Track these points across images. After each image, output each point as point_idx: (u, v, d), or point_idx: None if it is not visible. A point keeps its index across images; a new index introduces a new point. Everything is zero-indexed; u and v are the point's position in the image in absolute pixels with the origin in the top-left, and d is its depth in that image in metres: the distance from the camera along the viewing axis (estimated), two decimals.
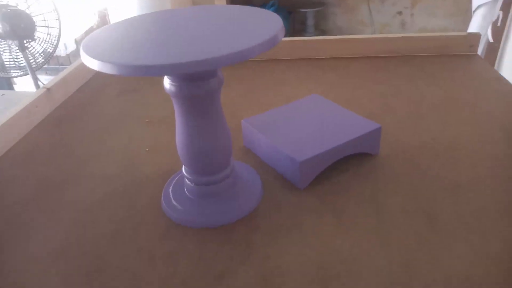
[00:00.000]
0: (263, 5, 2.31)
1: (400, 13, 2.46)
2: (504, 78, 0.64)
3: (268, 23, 0.33)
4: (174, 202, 0.42)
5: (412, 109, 0.57)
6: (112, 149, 0.53)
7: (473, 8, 1.72)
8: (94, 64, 0.30)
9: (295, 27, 2.49)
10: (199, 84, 0.35)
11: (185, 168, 0.42)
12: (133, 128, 0.58)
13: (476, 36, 0.75)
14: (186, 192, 0.43)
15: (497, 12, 1.65)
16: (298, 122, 0.48)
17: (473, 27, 1.73)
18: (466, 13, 2.40)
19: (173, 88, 0.35)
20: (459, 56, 0.74)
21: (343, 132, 0.45)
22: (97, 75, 0.78)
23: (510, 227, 0.36)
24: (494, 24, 1.72)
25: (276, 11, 2.27)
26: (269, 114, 0.50)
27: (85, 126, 0.59)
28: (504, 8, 1.67)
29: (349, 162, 0.46)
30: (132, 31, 0.37)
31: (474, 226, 0.37)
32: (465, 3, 2.34)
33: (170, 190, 0.44)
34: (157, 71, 0.27)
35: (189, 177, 0.41)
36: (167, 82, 0.36)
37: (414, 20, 2.47)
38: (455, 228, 0.36)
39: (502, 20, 1.70)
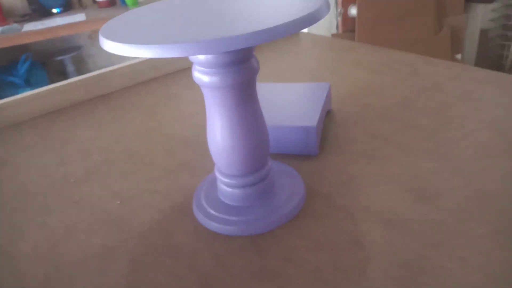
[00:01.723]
0: (14, 63, 1.98)
1: None
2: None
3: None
4: (209, 210, 0.36)
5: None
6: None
7: None
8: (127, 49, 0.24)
9: (55, 78, 2.25)
10: (242, 67, 0.30)
11: (217, 167, 0.36)
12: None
13: None
14: (218, 193, 0.37)
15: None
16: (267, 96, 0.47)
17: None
18: None
19: (208, 78, 0.30)
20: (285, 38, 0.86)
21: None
22: None
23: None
24: None
25: (31, 66, 1.99)
26: None
27: None
28: None
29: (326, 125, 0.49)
30: (157, 14, 0.31)
31: None
32: None
33: (203, 195, 0.38)
34: (214, 47, 0.23)
35: (220, 177, 0.35)
36: (198, 71, 0.30)
37: None
38: None
39: None
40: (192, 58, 0.30)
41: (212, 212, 0.35)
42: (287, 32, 0.24)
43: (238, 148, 0.33)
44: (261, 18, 0.26)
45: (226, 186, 0.35)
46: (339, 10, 1.63)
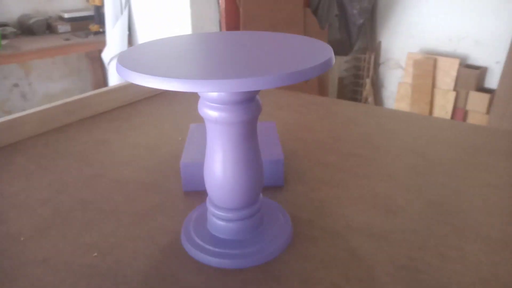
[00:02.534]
0: None
1: (16, 85, 2.30)
2: None
3: (316, 48, 0.32)
4: (197, 240, 0.36)
5: None
6: None
7: (106, 62, 1.91)
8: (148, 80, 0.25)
9: None
10: (248, 106, 0.32)
11: (212, 203, 0.36)
12: None
13: None
14: (211, 230, 0.37)
15: None
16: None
17: (113, 79, 1.93)
18: (80, 73, 2.57)
19: (218, 113, 0.31)
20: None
21: None
22: None
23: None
24: None
25: None
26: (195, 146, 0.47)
27: None
28: None
29: None
30: (174, 49, 0.32)
31: None
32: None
33: (192, 225, 0.37)
34: (228, 87, 0.25)
35: (216, 212, 0.35)
36: (208, 107, 0.31)
37: (34, 89, 2.39)
38: None
39: None
40: (203, 94, 0.31)
41: (215, 249, 0.35)
42: (310, 75, 0.27)
43: (241, 182, 0.34)
44: (286, 62, 0.29)
45: (225, 220, 0.36)
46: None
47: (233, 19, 1.76)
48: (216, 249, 0.35)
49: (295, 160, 0.52)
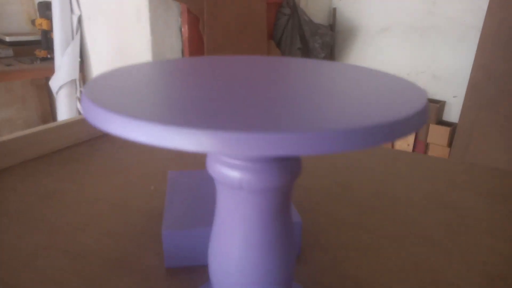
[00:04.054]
0: None
1: None
2: None
3: (395, 91, 0.20)
4: None
5: None
6: None
7: (55, 91, 1.74)
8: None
9: None
10: (290, 164, 0.21)
11: None
12: None
13: None
14: None
15: (78, 89, 1.76)
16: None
17: (62, 109, 1.75)
18: (25, 102, 2.34)
19: (243, 175, 0.20)
20: None
21: None
22: None
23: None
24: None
25: None
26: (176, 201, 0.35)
27: None
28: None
29: None
30: (162, 80, 0.20)
31: None
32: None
33: None
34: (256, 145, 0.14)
35: None
36: (225, 165, 0.20)
37: None
38: None
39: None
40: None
41: None
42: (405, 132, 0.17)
43: (272, 274, 0.23)
44: (353, 110, 0.19)
45: None
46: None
47: (196, 48, 1.67)
48: None
49: (303, 215, 0.42)
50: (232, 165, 0.20)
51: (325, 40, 2.23)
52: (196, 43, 1.66)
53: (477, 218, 0.42)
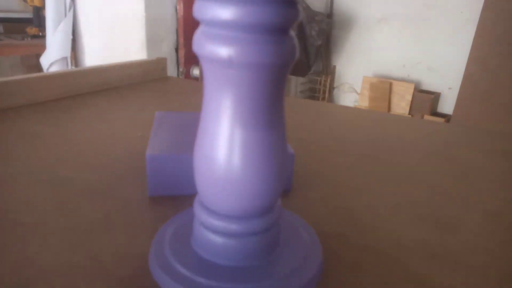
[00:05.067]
0: None
1: None
2: None
3: None
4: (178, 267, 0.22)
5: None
6: None
7: (45, 67, 1.70)
8: None
9: None
10: (284, 39, 0.19)
11: (205, 207, 0.22)
12: None
13: (164, 59, 0.79)
14: (201, 251, 0.23)
15: (70, 67, 1.72)
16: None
17: None
18: None
19: (234, 48, 0.18)
20: (157, 80, 0.75)
21: None
22: None
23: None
24: None
25: None
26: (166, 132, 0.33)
27: None
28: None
29: None
30: None
31: None
32: None
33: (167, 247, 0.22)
34: None
35: (214, 222, 0.22)
36: (214, 38, 0.18)
37: None
38: None
39: None
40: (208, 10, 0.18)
41: (209, 282, 0.21)
42: None
43: (260, 171, 0.21)
44: None
45: (227, 235, 0.22)
46: (181, 69, 1.60)
47: (191, 27, 1.64)
48: (212, 283, 0.21)
49: (297, 160, 0.40)
50: (222, 37, 0.18)
51: (322, 27, 2.21)
52: (191, 22, 1.64)
53: (476, 169, 0.41)
